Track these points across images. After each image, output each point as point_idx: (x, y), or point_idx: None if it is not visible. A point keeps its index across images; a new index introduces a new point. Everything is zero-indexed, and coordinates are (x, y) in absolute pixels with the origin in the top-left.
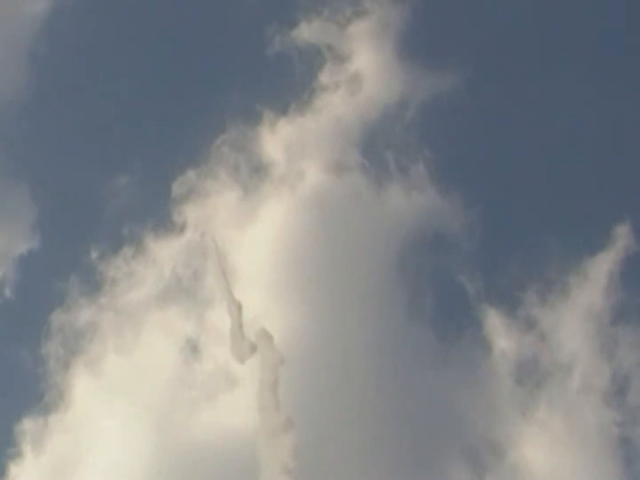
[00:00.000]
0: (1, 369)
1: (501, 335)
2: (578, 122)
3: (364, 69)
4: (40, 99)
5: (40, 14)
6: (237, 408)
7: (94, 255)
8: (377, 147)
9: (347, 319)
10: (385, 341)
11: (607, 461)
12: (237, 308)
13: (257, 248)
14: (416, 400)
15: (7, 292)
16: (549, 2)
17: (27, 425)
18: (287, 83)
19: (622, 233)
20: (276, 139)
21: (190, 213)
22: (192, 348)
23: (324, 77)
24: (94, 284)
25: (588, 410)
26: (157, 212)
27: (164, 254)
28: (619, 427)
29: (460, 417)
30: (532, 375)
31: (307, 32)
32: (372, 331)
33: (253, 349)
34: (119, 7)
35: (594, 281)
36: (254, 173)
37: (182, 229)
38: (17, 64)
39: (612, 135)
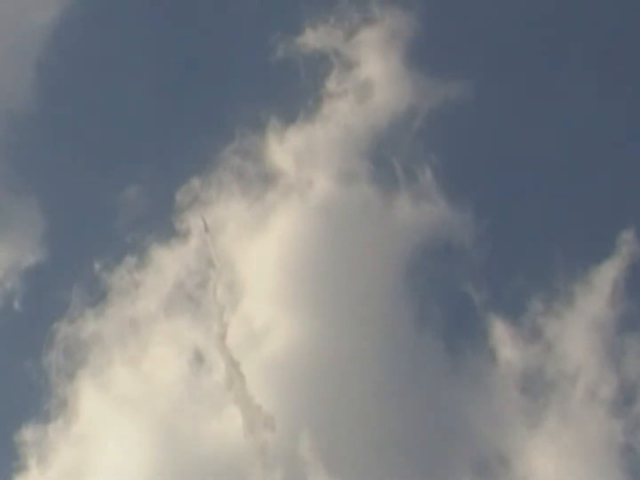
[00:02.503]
0: (8, 380)
1: (507, 345)
2: (585, 129)
3: (372, 77)
4: (48, 110)
5: (48, 24)
6: None
7: (101, 265)
8: (386, 156)
9: (355, 328)
10: (394, 351)
11: (614, 471)
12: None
13: (265, 257)
14: (424, 410)
15: (16, 305)
16: (557, 11)
17: (33, 437)
18: (294, 90)
19: (627, 239)
20: (284, 147)
21: (197, 222)
22: (198, 358)
23: (331, 84)
24: (99, 295)
25: (595, 420)
26: (163, 221)
27: (171, 263)
28: (626, 437)
29: (467, 427)
30: (538, 385)
31: (313, 39)
32: (381, 340)
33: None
34: (126, 17)
35: (599, 290)
36: (262, 181)
37: (186, 237)
38: (25, 75)
39: (616, 141)
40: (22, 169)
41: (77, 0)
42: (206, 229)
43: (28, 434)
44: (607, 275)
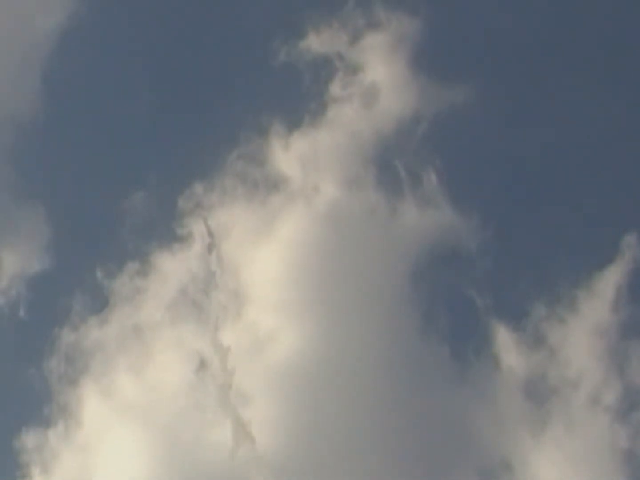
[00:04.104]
0: (12, 388)
1: (510, 351)
2: (588, 134)
3: (377, 82)
4: (54, 118)
5: (53, 31)
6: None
7: (103, 272)
8: (391, 161)
9: (360, 335)
10: (398, 357)
11: (618, 477)
12: None
13: (269, 263)
14: (429, 418)
15: (21, 313)
16: (564, 16)
17: (35, 446)
18: (298, 95)
19: (630, 243)
20: (288, 153)
21: (200, 228)
22: (203, 365)
23: (336, 89)
24: (101, 301)
25: (598, 426)
26: (166, 227)
27: (174, 269)
28: (630, 443)
29: (471, 433)
30: (541, 391)
31: (316, 43)
32: (385, 347)
33: None
34: (130, 23)
35: (603, 295)
36: (266, 187)
37: (189, 243)
38: (29, 82)
39: (619, 145)
40: (27, 176)
41: (82, 6)
42: (209, 235)
43: (29, 441)
44: (611, 280)
